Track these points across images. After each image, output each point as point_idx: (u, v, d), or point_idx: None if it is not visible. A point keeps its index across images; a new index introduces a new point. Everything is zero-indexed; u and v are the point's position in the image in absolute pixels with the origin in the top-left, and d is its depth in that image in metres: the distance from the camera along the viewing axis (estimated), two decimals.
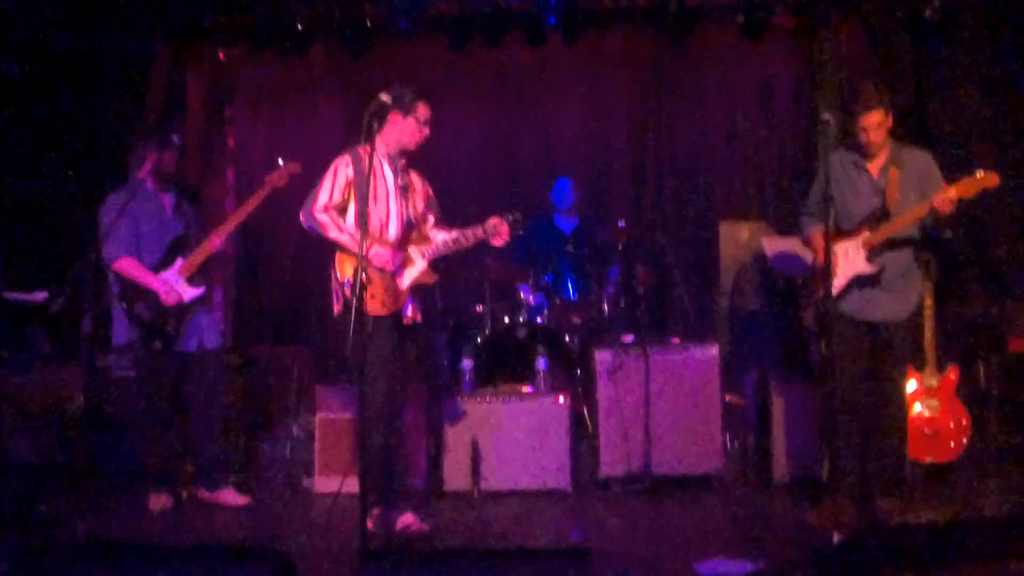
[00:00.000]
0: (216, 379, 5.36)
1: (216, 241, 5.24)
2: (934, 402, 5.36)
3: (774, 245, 6.07)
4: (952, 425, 5.33)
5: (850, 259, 4.71)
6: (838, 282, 4.70)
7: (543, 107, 7.68)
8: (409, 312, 4.66)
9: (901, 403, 4.85)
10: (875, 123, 4.63)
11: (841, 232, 4.74)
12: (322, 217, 4.49)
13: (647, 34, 7.20)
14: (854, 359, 4.74)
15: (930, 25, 6.42)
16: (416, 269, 4.62)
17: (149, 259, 5.16)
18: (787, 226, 6.39)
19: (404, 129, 4.52)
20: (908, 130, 6.79)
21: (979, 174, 4.47)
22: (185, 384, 5.30)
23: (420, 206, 4.72)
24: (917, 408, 5.33)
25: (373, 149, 4.17)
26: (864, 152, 4.73)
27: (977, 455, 5.47)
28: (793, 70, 7.47)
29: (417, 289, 4.68)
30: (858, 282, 4.73)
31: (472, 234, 4.64)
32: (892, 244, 4.69)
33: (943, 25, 6.39)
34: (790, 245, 5.87)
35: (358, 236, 4.33)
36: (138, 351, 5.18)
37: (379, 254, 4.50)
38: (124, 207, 5.07)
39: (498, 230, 4.61)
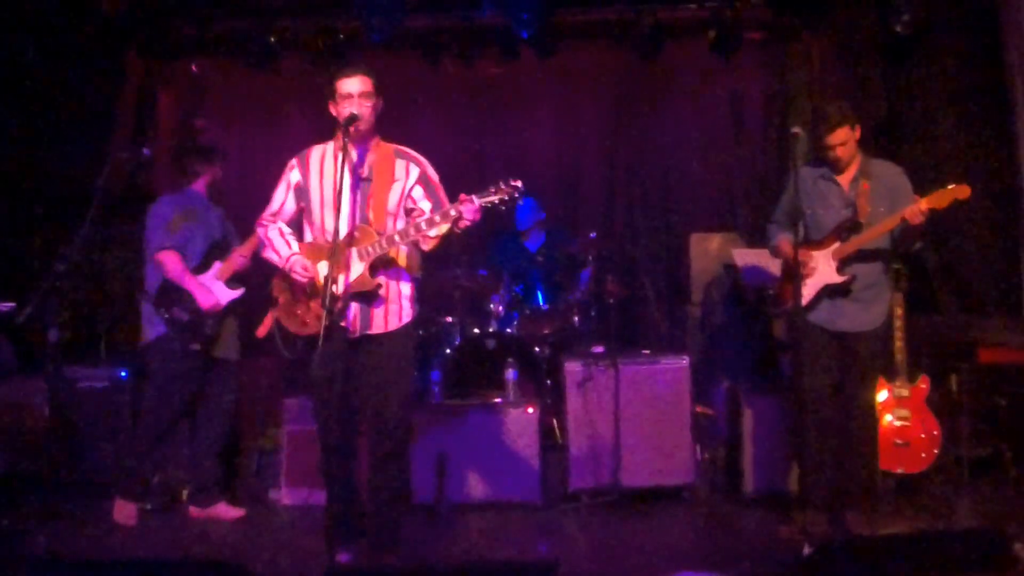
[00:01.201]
0: (230, 393, 5.39)
1: (241, 258, 5.25)
2: (905, 412, 5.35)
3: (744, 257, 6.07)
4: (923, 436, 5.31)
5: (820, 270, 4.71)
6: (807, 292, 4.71)
7: (516, 120, 7.70)
8: (351, 324, 4.10)
9: (871, 414, 4.83)
10: (841, 140, 4.65)
11: (811, 243, 4.74)
12: (260, 231, 4.28)
13: (619, 48, 7.22)
14: (823, 370, 4.73)
15: (901, 39, 6.45)
16: (352, 275, 4.06)
17: (191, 263, 5.20)
18: (757, 238, 6.39)
19: (340, 114, 4.11)
20: (879, 144, 6.85)
21: (951, 185, 4.47)
22: (204, 390, 5.31)
23: (395, 199, 4.19)
24: (888, 419, 5.32)
25: (345, 145, 3.96)
26: (834, 167, 4.74)
27: (947, 466, 5.45)
28: (763, 84, 7.51)
29: (369, 297, 4.12)
30: (828, 293, 4.73)
31: (427, 221, 4.01)
32: (863, 255, 4.69)
33: (913, 39, 6.41)
34: (760, 257, 5.86)
35: (282, 251, 4.15)
36: (172, 346, 5.16)
37: (299, 262, 4.12)
38: (183, 209, 5.22)
39: (461, 210, 3.95)
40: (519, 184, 4.02)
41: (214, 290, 5.20)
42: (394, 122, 7.18)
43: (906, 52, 6.57)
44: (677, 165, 7.60)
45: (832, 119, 4.64)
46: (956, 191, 4.46)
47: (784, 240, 4.82)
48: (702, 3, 6.89)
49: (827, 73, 7.15)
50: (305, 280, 4.10)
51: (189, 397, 5.28)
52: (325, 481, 4.23)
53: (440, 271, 6.14)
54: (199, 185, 5.38)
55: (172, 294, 5.16)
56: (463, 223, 3.99)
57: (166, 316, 5.15)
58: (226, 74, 7.51)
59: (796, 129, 4.60)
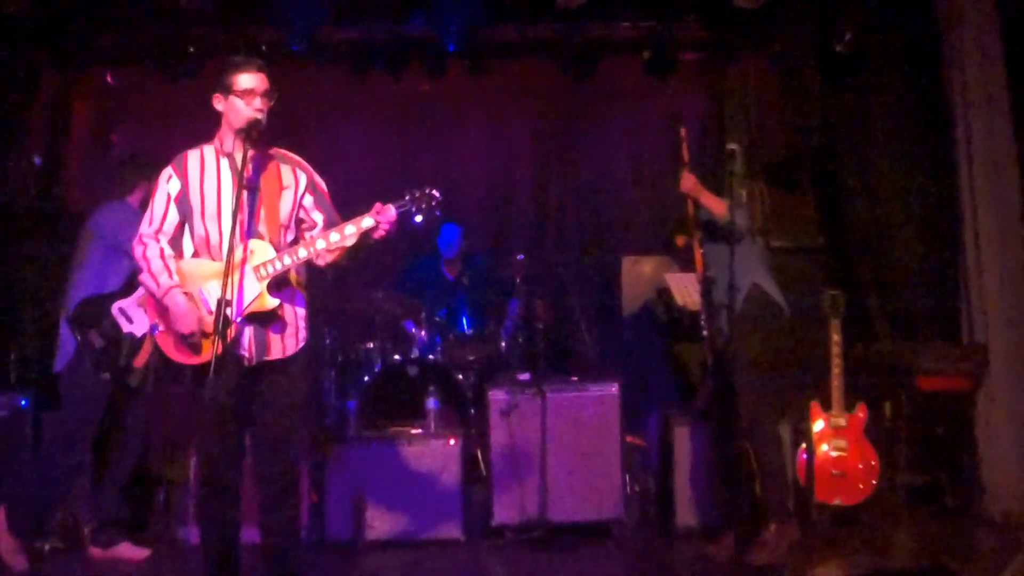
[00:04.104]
0: (140, 426, 5.10)
1: None
2: (842, 442, 5.24)
3: (677, 281, 5.90)
4: (860, 466, 5.19)
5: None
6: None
7: (446, 138, 7.52)
8: (247, 350, 3.74)
9: (759, 430, 4.68)
10: None
11: None
12: (137, 251, 3.83)
13: (552, 67, 7.05)
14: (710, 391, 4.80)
15: (841, 60, 6.37)
16: (248, 295, 3.69)
17: (112, 286, 4.87)
18: (690, 262, 6.26)
19: (231, 110, 3.75)
20: (818, 164, 6.77)
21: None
22: (113, 422, 5.01)
23: (288, 207, 3.86)
24: (824, 448, 5.21)
25: (245, 152, 3.66)
26: None
27: (885, 496, 5.32)
28: (700, 105, 7.39)
29: (265, 320, 3.76)
30: None
31: (339, 232, 3.72)
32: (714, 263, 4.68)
33: (853, 61, 6.34)
34: (694, 281, 5.70)
35: (161, 279, 3.73)
36: (82, 372, 4.82)
37: (180, 302, 3.68)
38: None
39: (378, 219, 3.71)
40: (436, 193, 3.82)
41: (134, 317, 4.87)
42: (319, 136, 7.00)
43: (846, 74, 6.49)
44: (610, 186, 7.49)
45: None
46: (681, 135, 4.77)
47: None
48: (636, 22, 6.76)
49: (765, 95, 7.05)
50: (187, 330, 3.66)
51: (97, 429, 4.96)
52: (203, 525, 3.86)
53: (360, 294, 5.91)
54: (134, 199, 5.05)
55: (91, 316, 4.83)
56: (379, 233, 3.75)
57: (79, 339, 4.83)
58: (144, 84, 7.20)
59: (732, 146, 4.55)
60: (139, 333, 4.82)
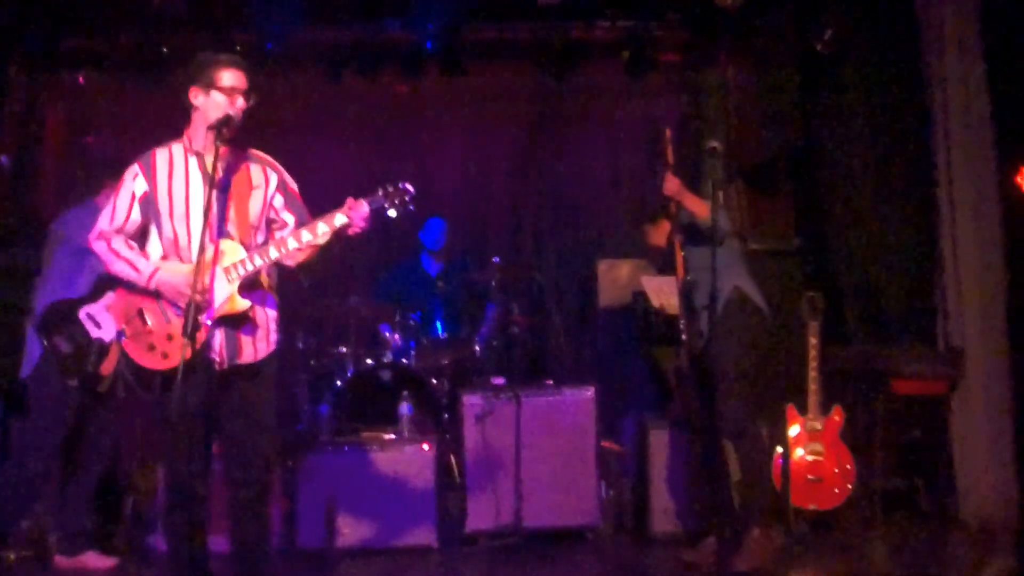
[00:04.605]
0: (109, 432, 5.03)
1: None
2: (818, 447, 5.23)
3: (654, 284, 5.86)
4: (836, 470, 5.18)
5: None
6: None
7: (422, 141, 7.45)
8: (218, 354, 3.63)
9: (739, 430, 4.60)
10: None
11: None
12: (99, 246, 3.74)
13: (531, 68, 7.00)
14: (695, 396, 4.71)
15: (821, 62, 6.35)
16: (219, 297, 3.57)
17: (82, 287, 4.77)
18: (668, 265, 6.22)
19: (210, 106, 3.62)
20: (796, 167, 6.75)
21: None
22: (82, 428, 4.92)
23: (258, 207, 3.75)
24: (799, 453, 5.19)
25: (217, 150, 3.51)
26: None
27: (860, 501, 5.29)
28: (679, 107, 7.35)
29: (236, 322, 3.65)
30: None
31: (311, 230, 3.61)
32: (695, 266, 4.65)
33: (833, 59, 6.32)
34: (671, 284, 5.66)
35: (140, 264, 3.63)
36: (49, 379, 4.74)
37: (164, 282, 3.61)
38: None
39: (351, 216, 3.60)
40: (409, 188, 3.70)
41: (102, 322, 4.78)
42: (294, 139, 6.91)
43: (826, 73, 6.48)
44: (588, 189, 7.42)
45: None
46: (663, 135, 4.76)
47: None
48: (616, 22, 6.72)
49: (744, 98, 7.03)
50: (190, 290, 3.47)
51: (65, 436, 4.86)
52: (170, 535, 3.76)
53: (334, 298, 5.84)
54: (101, 199, 4.87)
55: (57, 321, 4.74)
56: (353, 230, 3.65)
57: (46, 344, 4.75)
58: (117, 88, 7.10)
59: (714, 143, 4.48)
60: (107, 339, 4.74)
